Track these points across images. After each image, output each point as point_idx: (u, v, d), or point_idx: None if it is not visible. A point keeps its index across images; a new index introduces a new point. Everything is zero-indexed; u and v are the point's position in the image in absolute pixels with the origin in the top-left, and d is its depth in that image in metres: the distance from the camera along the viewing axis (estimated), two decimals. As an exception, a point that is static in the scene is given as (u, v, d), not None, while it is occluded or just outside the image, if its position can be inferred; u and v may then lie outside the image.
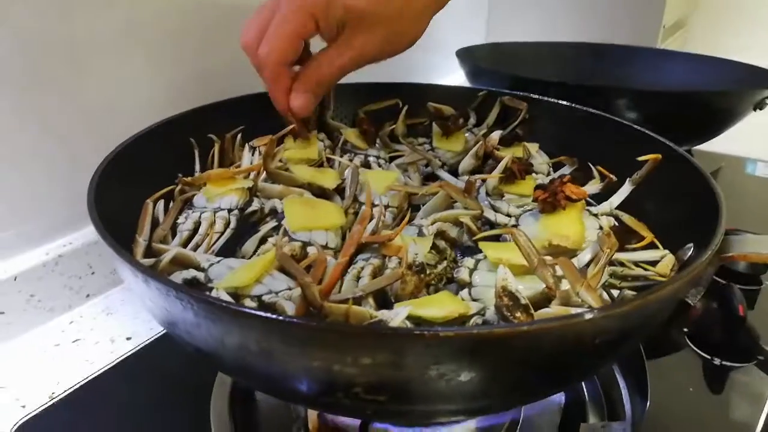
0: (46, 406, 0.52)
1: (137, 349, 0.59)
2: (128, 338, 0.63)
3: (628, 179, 0.48)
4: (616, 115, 0.57)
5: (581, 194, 0.43)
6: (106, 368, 0.57)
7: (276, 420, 0.49)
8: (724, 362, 0.57)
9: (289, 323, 0.27)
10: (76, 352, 0.61)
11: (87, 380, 0.55)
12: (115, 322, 0.65)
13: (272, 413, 0.50)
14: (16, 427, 0.50)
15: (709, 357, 0.57)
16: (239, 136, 0.59)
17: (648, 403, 0.48)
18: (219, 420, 0.49)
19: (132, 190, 0.48)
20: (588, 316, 0.28)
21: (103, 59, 0.64)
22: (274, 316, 0.27)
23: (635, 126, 0.52)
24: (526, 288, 0.36)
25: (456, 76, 1.12)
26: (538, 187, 0.45)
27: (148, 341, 0.60)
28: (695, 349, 0.58)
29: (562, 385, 0.39)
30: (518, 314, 0.30)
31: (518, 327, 0.27)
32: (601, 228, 0.44)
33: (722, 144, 0.96)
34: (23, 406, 0.53)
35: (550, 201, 0.43)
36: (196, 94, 0.63)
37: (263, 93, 0.62)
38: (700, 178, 0.42)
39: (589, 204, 0.49)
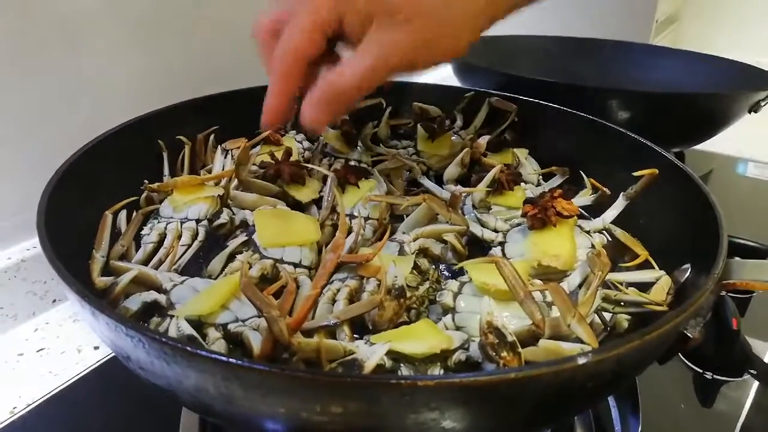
0: (6, 423, 0.49)
1: (105, 359, 0.56)
2: (96, 347, 0.59)
3: (622, 194, 0.45)
4: (607, 115, 0.54)
5: (573, 211, 0.40)
6: (71, 381, 0.54)
7: (249, 440, 0.46)
8: (716, 376, 0.55)
9: (248, 368, 0.24)
10: (39, 362, 0.57)
11: (51, 394, 0.52)
12: (82, 329, 0.62)
13: (245, 432, 0.47)
14: (-29, 447, 0.47)
15: (700, 371, 0.56)
16: (212, 137, 0.55)
17: (639, 424, 0.47)
18: (189, 436, 0.46)
19: (93, 197, 0.45)
20: (581, 360, 0.25)
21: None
22: (232, 361, 0.24)
23: (632, 135, 0.49)
24: (513, 316, 0.34)
25: (443, 69, 1.09)
26: (527, 201, 0.42)
27: (116, 352, 0.56)
28: (686, 362, 0.56)
29: (551, 424, 0.36)
30: (504, 353, 0.28)
31: (505, 374, 0.25)
32: (593, 246, 0.41)
33: (713, 143, 0.94)
34: (-19, 424, 0.50)
35: (540, 217, 0.41)
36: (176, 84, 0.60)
37: (240, 90, 0.59)
38: (699, 195, 0.40)
39: (581, 217, 0.46)
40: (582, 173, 0.52)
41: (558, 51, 1.05)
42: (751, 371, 0.55)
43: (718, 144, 0.98)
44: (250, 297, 0.29)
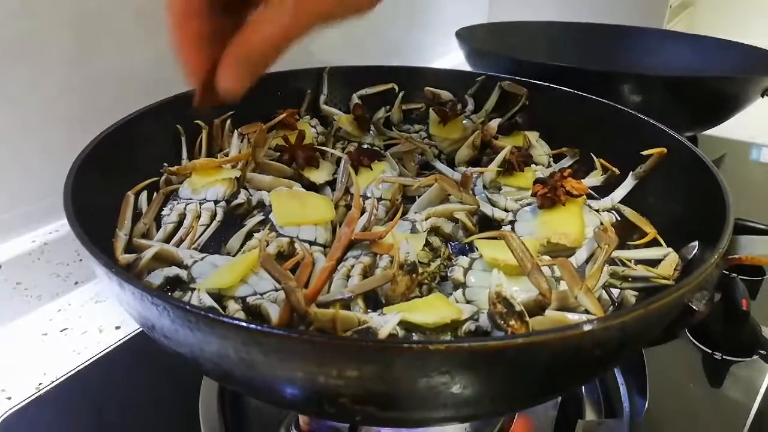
0: (32, 398, 0.51)
1: (126, 339, 0.58)
2: (117, 327, 0.61)
3: (631, 173, 0.46)
4: (619, 99, 0.54)
5: (582, 190, 0.41)
6: (93, 359, 0.56)
7: (266, 415, 0.48)
8: (725, 357, 0.56)
9: (268, 333, 0.26)
10: (63, 341, 0.60)
11: (74, 371, 0.54)
12: (103, 310, 0.64)
13: (263, 408, 0.49)
14: (1, 420, 0.49)
15: (709, 351, 0.56)
16: (228, 122, 0.57)
17: (647, 401, 0.47)
18: (208, 413, 0.48)
19: (115, 180, 0.46)
20: (587, 327, 0.26)
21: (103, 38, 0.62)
22: (252, 326, 0.26)
23: (642, 116, 0.50)
24: (522, 291, 0.35)
25: (456, 55, 1.09)
26: (537, 180, 0.43)
27: (137, 331, 0.58)
28: (695, 342, 0.57)
29: (558, 392, 0.38)
30: (512, 322, 0.29)
31: (512, 340, 0.26)
32: (601, 224, 0.42)
33: (726, 128, 0.94)
34: (9, 398, 0.52)
35: (549, 196, 0.42)
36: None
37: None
38: (707, 173, 0.40)
39: (590, 197, 0.47)
40: (592, 155, 0.52)
41: (569, 37, 1.05)
42: (761, 351, 0.56)
43: (732, 129, 0.97)
44: (269, 269, 0.30)
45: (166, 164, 0.50)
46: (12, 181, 0.60)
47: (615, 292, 0.39)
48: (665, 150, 0.44)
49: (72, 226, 0.34)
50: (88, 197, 0.41)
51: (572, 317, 0.31)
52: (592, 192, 0.46)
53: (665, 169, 0.45)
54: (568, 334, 0.26)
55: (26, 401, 0.51)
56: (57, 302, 0.65)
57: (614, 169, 0.47)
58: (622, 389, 0.50)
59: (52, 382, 0.53)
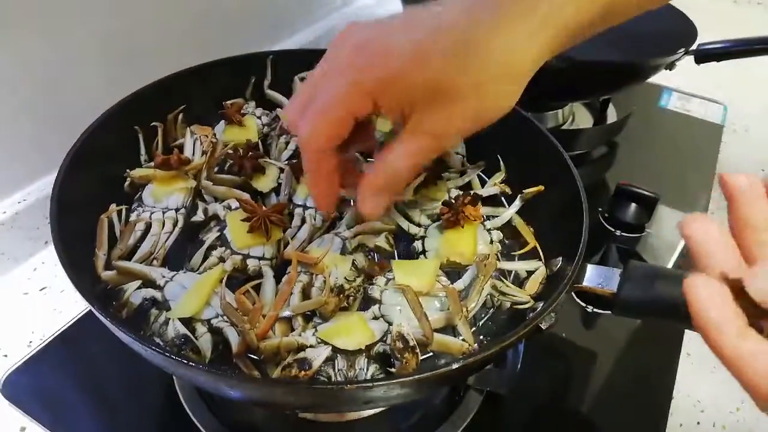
0: (27, 357, 0.61)
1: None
2: (91, 285, 0.70)
3: (519, 195, 0.56)
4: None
5: (477, 217, 0.52)
6: (78, 317, 0.65)
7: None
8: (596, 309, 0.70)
9: (223, 375, 0.37)
10: (43, 300, 0.69)
11: (61, 331, 0.64)
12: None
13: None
14: (4, 378, 0.59)
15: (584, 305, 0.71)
16: (180, 115, 0.63)
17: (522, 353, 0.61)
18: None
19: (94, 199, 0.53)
20: (454, 365, 0.38)
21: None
22: (210, 371, 0.37)
23: (546, 133, 0.58)
24: (427, 309, 0.46)
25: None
26: (445, 203, 0.53)
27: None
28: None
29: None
30: (407, 354, 0.41)
31: (405, 378, 0.38)
32: (492, 242, 0.53)
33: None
34: (6, 356, 0.62)
35: (452, 220, 0.52)
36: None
37: (199, 67, 0.65)
38: (579, 207, 0.51)
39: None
40: (499, 157, 0.62)
41: None
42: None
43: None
44: (228, 315, 0.41)
45: (128, 170, 0.57)
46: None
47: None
48: (542, 188, 0.54)
49: (64, 268, 0.43)
50: (71, 224, 0.48)
51: (452, 342, 0.44)
52: (485, 215, 0.56)
53: (551, 191, 0.56)
54: (438, 373, 0.38)
55: (22, 360, 0.61)
56: (31, 261, 0.73)
57: (507, 189, 0.57)
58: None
59: (42, 340, 0.63)
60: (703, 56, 0.86)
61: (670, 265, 0.80)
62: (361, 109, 0.38)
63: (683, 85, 1.16)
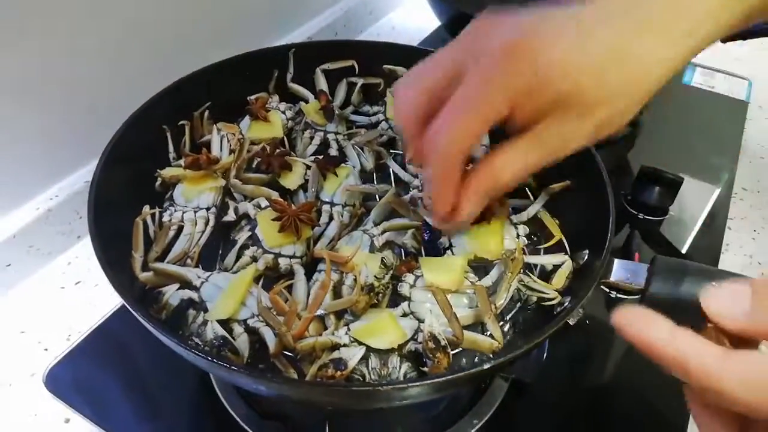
0: (67, 351, 0.64)
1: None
2: (123, 278, 0.72)
3: (543, 191, 0.57)
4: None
5: (504, 213, 0.52)
6: (114, 311, 0.67)
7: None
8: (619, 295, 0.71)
9: (268, 378, 0.38)
10: (79, 294, 0.71)
11: (98, 324, 0.66)
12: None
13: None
14: (47, 372, 0.62)
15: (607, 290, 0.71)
16: (206, 112, 0.63)
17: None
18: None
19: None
20: (486, 366, 0.39)
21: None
22: (252, 374, 0.38)
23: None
24: (456, 307, 0.47)
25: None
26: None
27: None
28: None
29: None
30: (438, 354, 0.42)
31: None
32: (518, 236, 0.54)
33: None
34: (46, 350, 0.65)
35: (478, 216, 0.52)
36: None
37: (220, 63, 0.65)
38: (604, 199, 0.51)
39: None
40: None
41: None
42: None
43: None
44: (266, 320, 0.42)
45: (158, 170, 0.58)
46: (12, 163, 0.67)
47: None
48: (569, 183, 0.54)
49: (107, 276, 0.44)
50: (107, 224, 0.50)
51: (480, 339, 0.45)
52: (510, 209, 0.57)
53: (579, 186, 0.56)
54: (470, 373, 0.39)
55: (63, 354, 0.63)
56: (65, 256, 0.75)
57: (531, 181, 0.58)
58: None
59: (81, 333, 0.66)
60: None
61: (689, 242, 0.79)
62: (500, 115, 0.37)
63: (706, 60, 1.14)
